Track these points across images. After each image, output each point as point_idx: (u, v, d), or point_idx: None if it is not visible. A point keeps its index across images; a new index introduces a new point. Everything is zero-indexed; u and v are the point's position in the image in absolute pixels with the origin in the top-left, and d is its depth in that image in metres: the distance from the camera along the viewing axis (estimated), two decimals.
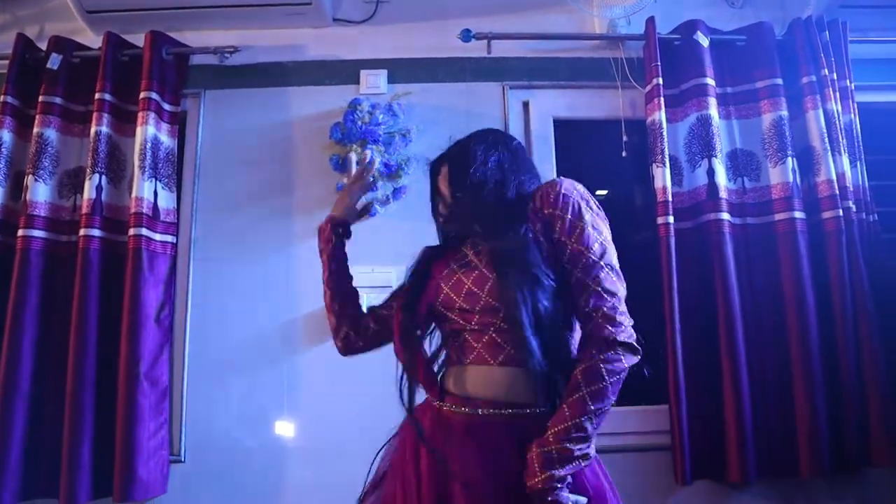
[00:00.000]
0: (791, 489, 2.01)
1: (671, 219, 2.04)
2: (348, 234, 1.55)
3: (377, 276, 2.11)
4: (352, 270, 1.98)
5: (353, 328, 1.46)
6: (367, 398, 1.99)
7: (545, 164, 2.23)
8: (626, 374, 1.12)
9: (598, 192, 2.49)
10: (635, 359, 1.13)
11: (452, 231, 1.42)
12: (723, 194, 2.08)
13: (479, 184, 1.27)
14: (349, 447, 1.99)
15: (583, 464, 1.08)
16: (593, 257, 1.15)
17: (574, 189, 1.22)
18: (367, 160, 1.60)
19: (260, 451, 2.05)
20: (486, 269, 1.21)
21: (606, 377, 1.08)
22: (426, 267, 1.37)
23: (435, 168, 1.42)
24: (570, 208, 1.18)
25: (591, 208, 1.21)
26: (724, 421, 1.95)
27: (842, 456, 1.94)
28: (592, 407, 1.07)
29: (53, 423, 1.96)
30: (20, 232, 2.04)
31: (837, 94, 2.17)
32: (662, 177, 2.06)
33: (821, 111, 2.13)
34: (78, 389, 1.95)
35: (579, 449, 1.07)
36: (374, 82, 2.26)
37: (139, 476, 1.92)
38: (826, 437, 1.92)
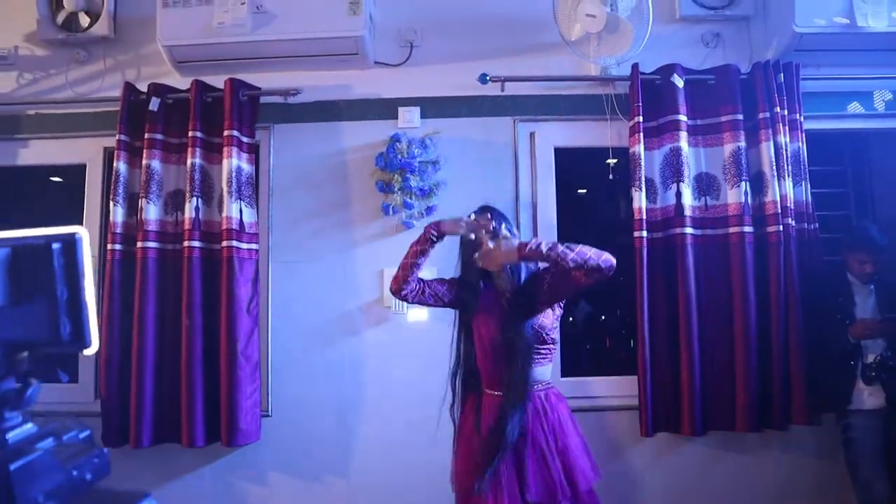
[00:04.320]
0: (730, 441, 2.64)
1: (645, 232, 2.60)
2: (441, 240, 2.09)
3: None
4: (394, 272, 2.64)
5: (412, 289, 2.11)
6: (412, 367, 2.65)
7: (548, 185, 2.78)
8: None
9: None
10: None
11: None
12: (687, 212, 2.62)
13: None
14: (399, 404, 2.67)
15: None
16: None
17: None
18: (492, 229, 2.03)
19: (328, 407, 2.70)
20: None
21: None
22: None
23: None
24: None
25: None
26: (680, 388, 2.56)
27: (769, 416, 2.56)
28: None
29: (174, 388, 2.62)
30: (139, 244, 2.65)
31: (787, 127, 2.66)
32: (639, 199, 2.61)
33: (772, 143, 2.63)
34: (190, 363, 2.60)
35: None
36: (409, 117, 2.78)
37: (240, 427, 2.59)
38: (756, 401, 2.53)
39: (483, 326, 2.05)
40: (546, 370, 2.08)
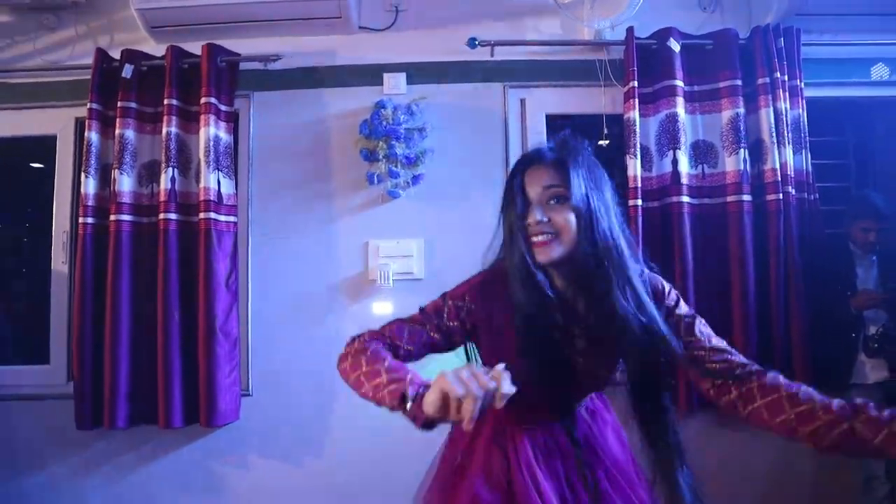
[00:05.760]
0: (726, 417, 2.53)
1: (640, 201, 2.50)
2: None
3: (401, 247, 2.60)
4: (380, 244, 2.53)
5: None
6: None
7: None
8: None
9: None
10: None
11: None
12: (684, 180, 2.52)
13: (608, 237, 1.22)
14: None
15: None
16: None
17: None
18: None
19: (310, 386, 2.59)
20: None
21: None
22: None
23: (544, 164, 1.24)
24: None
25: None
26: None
27: None
28: None
29: (150, 367, 2.50)
30: (112, 217, 2.52)
31: (787, 93, 2.56)
32: (634, 166, 2.50)
33: (771, 109, 2.53)
34: (167, 341, 2.48)
35: None
36: (395, 83, 2.66)
37: (219, 407, 2.47)
38: None
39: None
40: None
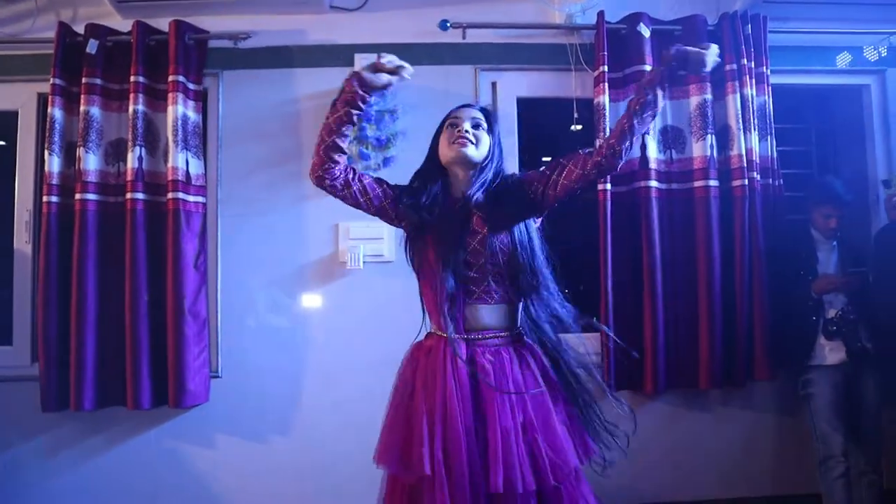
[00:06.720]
0: (691, 398, 2.62)
1: (609, 186, 2.53)
2: (368, 94, 1.70)
3: (371, 229, 2.58)
4: (350, 226, 2.52)
5: (339, 176, 1.71)
6: (366, 324, 2.55)
7: (510, 137, 2.68)
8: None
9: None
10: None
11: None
12: (652, 165, 2.56)
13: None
14: (352, 364, 2.57)
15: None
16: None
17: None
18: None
19: (279, 368, 2.59)
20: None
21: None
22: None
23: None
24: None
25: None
26: (643, 346, 2.51)
27: (732, 372, 2.53)
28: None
29: (118, 348, 2.48)
30: (77, 196, 2.48)
31: (753, 80, 2.61)
32: None
33: (738, 95, 2.58)
34: (135, 322, 2.46)
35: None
36: (366, 64, 2.63)
37: (188, 388, 2.47)
38: (720, 357, 2.50)
39: (432, 248, 1.64)
40: (502, 311, 1.66)
